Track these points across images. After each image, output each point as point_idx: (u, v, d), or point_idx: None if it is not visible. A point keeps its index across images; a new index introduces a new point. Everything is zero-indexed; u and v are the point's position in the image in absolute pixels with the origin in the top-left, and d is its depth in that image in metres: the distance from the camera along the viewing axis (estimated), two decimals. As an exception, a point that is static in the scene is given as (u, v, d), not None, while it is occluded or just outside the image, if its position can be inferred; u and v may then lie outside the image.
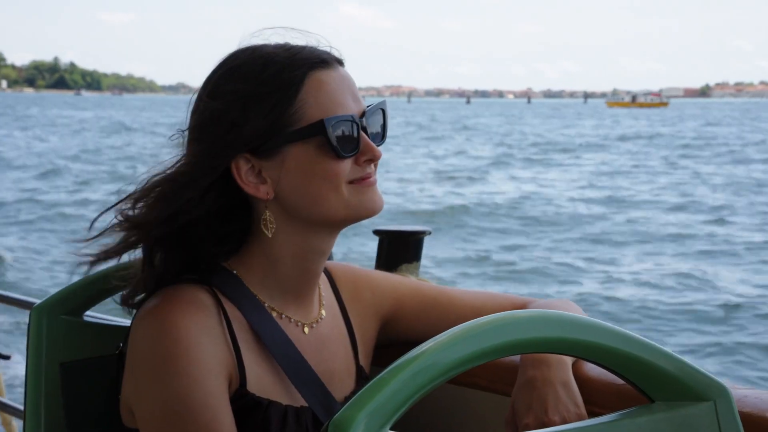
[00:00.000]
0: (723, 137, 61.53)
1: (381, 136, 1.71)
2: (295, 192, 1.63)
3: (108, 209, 1.66)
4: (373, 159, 1.65)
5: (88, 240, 1.66)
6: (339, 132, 1.60)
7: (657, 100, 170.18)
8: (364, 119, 1.65)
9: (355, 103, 1.65)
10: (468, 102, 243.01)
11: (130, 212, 1.63)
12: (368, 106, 1.68)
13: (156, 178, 1.63)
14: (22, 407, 3.25)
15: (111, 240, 1.66)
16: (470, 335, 1.03)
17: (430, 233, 2.62)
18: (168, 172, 1.63)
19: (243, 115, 1.59)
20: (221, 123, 1.60)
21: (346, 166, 1.62)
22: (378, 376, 0.98)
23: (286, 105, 1.59)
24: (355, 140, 1.63)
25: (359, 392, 0.97)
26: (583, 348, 1.09)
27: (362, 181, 1.65)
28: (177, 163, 1.63)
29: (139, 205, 1.63)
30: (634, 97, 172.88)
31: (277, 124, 1.59)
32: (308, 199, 1.62)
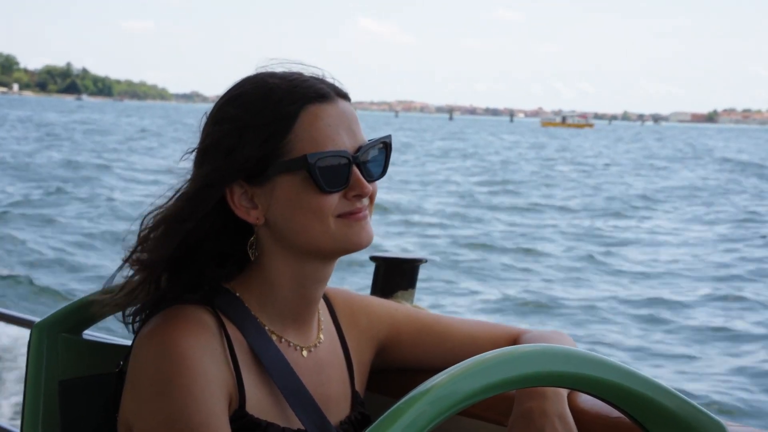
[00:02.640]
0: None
1: (381, 170, 1.73)
2: (283, 220, 1.66)
3: (124, 263, 1.70)
4: (362, 195, 1.67)
5: (115, 294, 1.72)
6: (325, 167, 1.63)
7: (583, 122, 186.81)
8: (359, 154, 1.67)
9: (349, 139, 1.67)
10: (450, 119, 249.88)
11: (141, 255, 1.68)
12: (369, 141, 1.70)
13: (158, 216, 1.67)
14: (12, 428, 3.22)
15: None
16: (483, 368, 1.06)
17: (426, 261, 2.65)
18: (169, 207, 1.67)
19: (239, 143, 1.63)
20: (219, 150, 1.64)
21: (333, 201, 1.65)
22: (393, 407, 1.01)
23: (281, 137, 1.63)
24: (343, 175, 1.65)
25: (376, 422, 1.00)
26: (588, 382, 1.12)
27: (350, 216, 1.67)
28: (176, 194, 1.68)
29: (146, 246, 1.67)
30: (564, 118, 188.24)
31: (270, 154, 1.63)
32: (295, 229, 1.66)
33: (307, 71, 1.72)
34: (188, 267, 1.69)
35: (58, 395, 1.84)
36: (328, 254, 1.69)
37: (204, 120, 1.71)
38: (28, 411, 1.84)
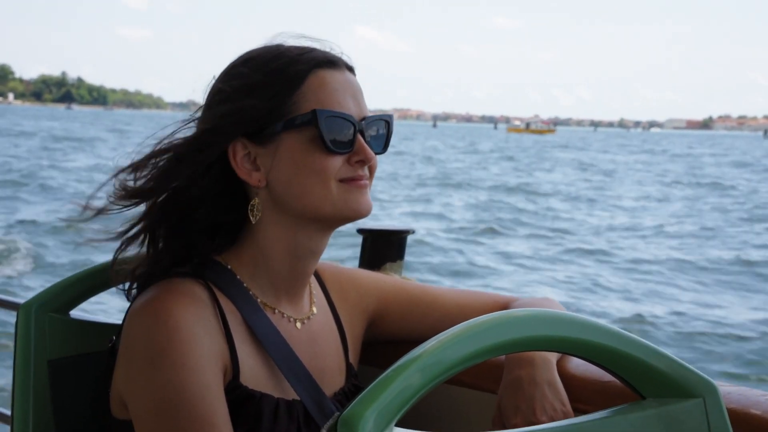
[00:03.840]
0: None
1: (382, 147, 1.73)
2: (285, 182, 1.65)
3: (108, 180, 1.68)
4: (365, 161, 1.67)
5: (87, 219, 1.68)
6: (332, 127, 1.63)
7: (545, 128, 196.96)
8: (364, 123, 1.68)
9: (355, 106, 1.68)
10: (434, 126, 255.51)
11: (130, 183, 1.66)
12: (373, 115, 1.71)
13: (156, 150, 1.66)
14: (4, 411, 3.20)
15: (110, 221, 1.69)
16: (472, 333, 1.05)
17: (413, 232, 2.65)
18: (171, 145, 1.66)
19: (245, 99, 1.63)
20: (224, 103, 1.64)
21: (336, 163, 1.64)
22: (384, 374, 1.00)
23: (287, 95, 1.63)
24: (349, 139, 1.65)
25: (366, 389, 0.99)
26: (580, 346, 1.12)
27: (352, 182, 1.66)
28: (179, 137, 1.67)
29: (139, 174, 1.66)
30: (527, 125, 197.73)
31: (275, 111, 1.63)
32: (296, 191, 1.65)
33: (318, 45, 1.73)
34: (180, 237, 1.68)
35: (48, 375, 1.83)
36: (327, 220, 1.68)
37: (213, 81, 1.71)
38: (18, 392, 1.83)
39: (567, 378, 1.68)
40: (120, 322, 1.75)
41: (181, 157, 1.64)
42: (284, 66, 1.65)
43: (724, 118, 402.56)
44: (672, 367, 1.17)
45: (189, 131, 1.69)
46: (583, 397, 1.65)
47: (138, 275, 1.69)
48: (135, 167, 1.66)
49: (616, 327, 1.15)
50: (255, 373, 1.65)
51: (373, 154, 1.68)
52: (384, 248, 2.58)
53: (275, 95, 1.63)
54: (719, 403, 1.19)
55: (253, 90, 1.63)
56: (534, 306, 1.84)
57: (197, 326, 1.57)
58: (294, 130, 1.63)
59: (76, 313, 1.93)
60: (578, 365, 1.70)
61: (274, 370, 1.67)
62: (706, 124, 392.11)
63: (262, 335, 1.66)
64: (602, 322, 1.15)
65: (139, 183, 1.66)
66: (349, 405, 0.98)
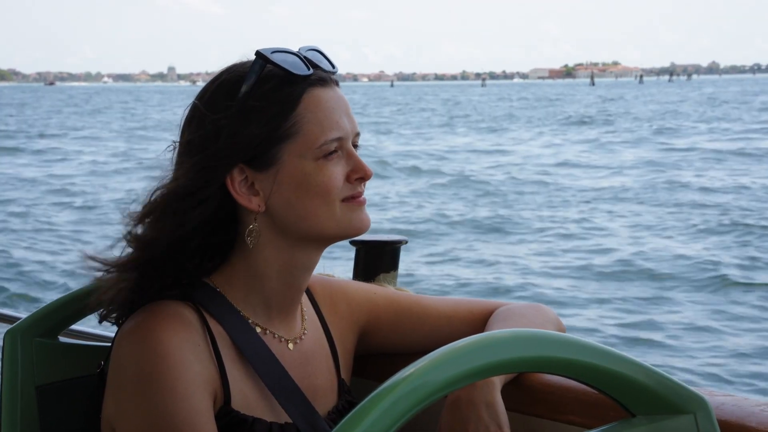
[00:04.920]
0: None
1: None
2: (286, 206, 1.64)
3: (122, 238, 1.65)
4: (365, 177, 1.68)
5: (101, 261, 1.67)
6: (333, 149, 1.63)
7: None
8: (357, 138, 1.69)
9: (349, 123, 1.68)
10: None
11: (138, 231, 1.64)
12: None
13: (157, 194, 1.63)
14: None
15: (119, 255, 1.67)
16: (449, 359, 1.03)
17: (406, 242, 2.63)
18: (168, 185, 1.63)
19: (241, 126, 1.60)
20: (220, 134, 1.61)
21: (339, 183, 1.65)
22: (360, 405, 0.98)
23: (283, 118, 1.61)
24: (350, 159, 1.66)
25: (341, 422, 0.97)
26: (563, 365, 1.10)
27: (353, 200, 1.67)
28: (174, 176, 1.64)
29: (146, 220, 1.64)
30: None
31: (273, 136, 1.61)
32: (299, 214, 1.64)
33: (304, 53, 1.69)
34: (174, 260, 1.65)
35: (36, 402, 1.81)
36: (330, 239, 1.68)
37: (188, 108, 1.68)
38: (6, 420, 1.81)
39: (554, 389, 1.66)
40: (110, 342, 1.71)
41: (183, 196, 1.61)
42: (276, 87, 1.62)
43: (584, 66, 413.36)
44: (662, 383, 1.15)
45: (181, 165, 1.64)
46: (573, 409, 1.63)
47: (125, 298, 1.65)
48: (141, 217, 1.64)
49: (601, 344, 1.12)
50: (246, 398, 1.62)
51: (371, 169, 1.68)
52: (377, 259, 2.56)
53: (271, 119, 1.61)
54: (711, 418, 1.17)
55: (249, 116, 1.60)
56: (521, 315, 1.82)
57: (186, 351, 1.55)
58: (295, 153, 1.62)
59: (65, 335, 1.91)
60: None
61: (266, 393, 1.65)
62: (570, 73, 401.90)
63: (254, 358, 1.63)
64: (586, 339, 1.12)
65: (146, 230, 1.63)
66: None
